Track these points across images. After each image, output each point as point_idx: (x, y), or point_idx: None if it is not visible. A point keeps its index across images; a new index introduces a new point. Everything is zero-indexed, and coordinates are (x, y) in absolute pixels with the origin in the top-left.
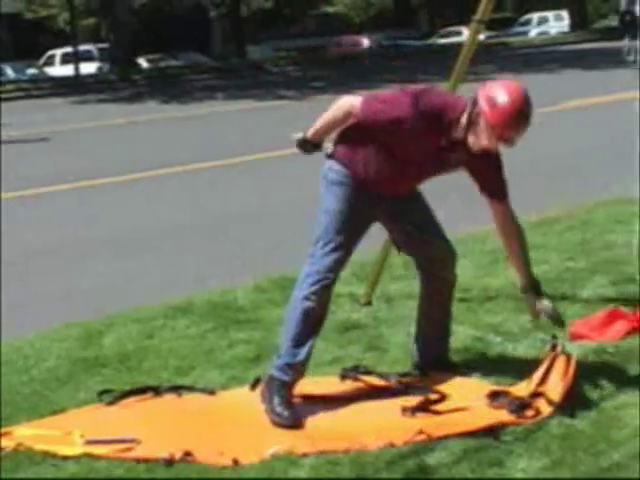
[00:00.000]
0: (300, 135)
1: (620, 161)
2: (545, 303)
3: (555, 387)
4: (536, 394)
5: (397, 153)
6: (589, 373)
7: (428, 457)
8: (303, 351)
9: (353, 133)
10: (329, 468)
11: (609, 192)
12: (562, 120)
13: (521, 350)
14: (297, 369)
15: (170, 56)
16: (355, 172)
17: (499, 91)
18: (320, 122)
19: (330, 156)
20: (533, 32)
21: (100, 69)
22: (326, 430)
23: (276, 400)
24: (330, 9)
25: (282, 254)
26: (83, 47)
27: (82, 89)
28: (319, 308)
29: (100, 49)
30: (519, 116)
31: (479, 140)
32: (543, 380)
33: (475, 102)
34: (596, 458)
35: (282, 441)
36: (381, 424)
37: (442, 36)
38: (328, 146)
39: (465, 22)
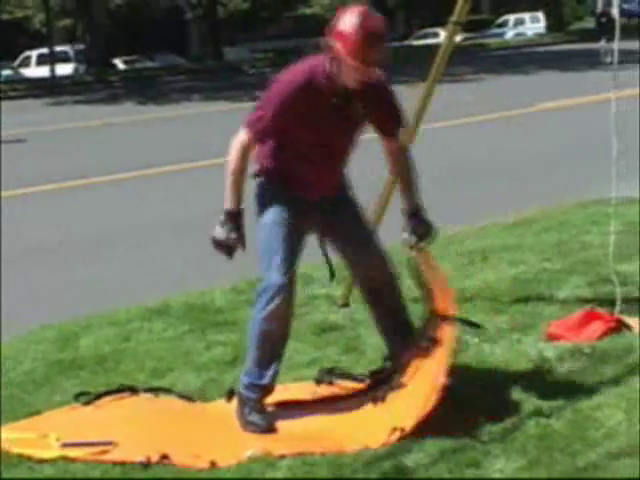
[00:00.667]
0: (222, 231)
1: (596, 162)
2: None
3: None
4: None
5: (307, 138)
6: (565, 373)
7: (405, 458)
8: (268, 374)
9: (262, 149)
10: (306, 469)
11: (585, 193)
12: (538, 121)
13: (498, 351)
14: (264, 389)
15: (146, 57)
16: (282, 180)
17: (341, 23)
18: (230, 184)
19: (256, 175)
20: (510, 34)
21: (76, 70)
22: (302, 432)
23: (247, 410)
24: (307, 10)
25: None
26: (59, 48)
27: (58, 90)
28: (278, 328)
29: (76, 50)
30: (366, 34)
31: (352, 75)
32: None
33: (329, 46)
34: (572, 458)
35: (259, 444)
36: (356, 424)
37: (419, 37)
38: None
39: (442, 24)
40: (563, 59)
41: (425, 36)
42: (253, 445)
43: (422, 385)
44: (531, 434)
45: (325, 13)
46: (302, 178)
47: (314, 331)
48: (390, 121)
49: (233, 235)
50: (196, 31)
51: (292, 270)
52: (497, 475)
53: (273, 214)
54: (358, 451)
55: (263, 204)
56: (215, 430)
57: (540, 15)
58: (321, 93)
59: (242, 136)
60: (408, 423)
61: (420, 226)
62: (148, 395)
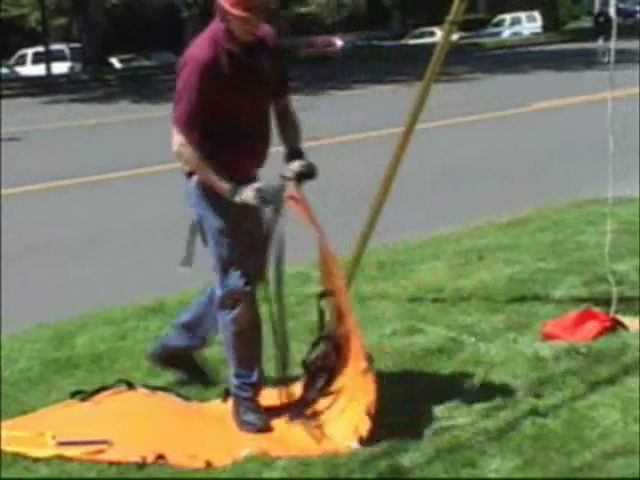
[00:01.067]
0: (251, 196)
1: (592, 162)
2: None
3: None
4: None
5: (232, 111)
6: (561, 373)
7: (401, 457)
8: (254, 374)
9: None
10: (302, 469)
11: (580, 193)
12: (534, 121)
13: (494, 350)
14: (255, 386)
15: (143, 56)
16: (218, 167)
17: None
18: (208, 176)
19: (191, 174)
20: (506, 33)
21: (72, 69)
22: (298, 434)
23: (242, 410)
24: (303, 9)
25: None
26: (55, 47)
27: (54, 89)
28: (249, 328)
29: (72, 49)
30: None
31: (242, 28)
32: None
33: (217, 5)
34: (568, 458)
35: (255, 444)
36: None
37: (415, 37)
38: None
39: (438, 23)
40: (559, 58)
41: (421, 35)
42: (249, 445)
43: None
44: (527, 434)
45: (321, 12)
46: (236, 157)
47: (309, 330)
48: (285, 80)
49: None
50: (192, 30)
51: (249, 270)
52: (493, 475)
53: (219, 218)
54: (354, 450)
55: (205, 206)
56: (211, 430)
57: (536, 14)
58: (230, 57)
59: (178, 138)
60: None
61: (302, 164)
62: (145, 390)
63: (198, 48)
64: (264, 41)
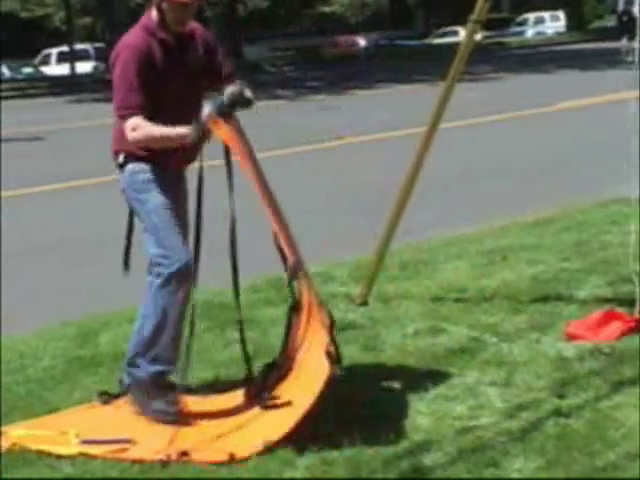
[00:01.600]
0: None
1: (616, 161)
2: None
3: None
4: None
5: (165, 99)
6: (585, 373)
7: (423, 457)
8: (175, 359)
9: (120, 133)
10: (324, 468)
11: (604, 193)
12: (558, 120)
13: (516, 350)
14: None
15: None
16: (148, 157)
17: None
18: (161, 136)
19: (124, 164)
20: (529, 32)
21: (96, 68)
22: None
23: (151, 399)
24: (327, 9)
25: (276, 254)
26: (79, 46)
27: (78, 88)
28: (183, 311)
29: (96, 48)
30: None
31: (177, 17)
32: None
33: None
34: (591, 458)
35: (274, 433)
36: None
37: (438, 36)
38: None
39: (461, 22)
40: (583, 58)
41: (444, 35)
42: (269, 434)
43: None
44: (550, 434)
45: (345, 11)
46: (166, 148)
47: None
48: (220, 72)
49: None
50: (216, 29)
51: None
52: (515, 475)
53: (156, 198)
54: (376, 450)
55: (140, 190)
56: (230, 422)
57: (560, 14)
58: (163, 46)
59: (128, 123)
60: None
61: (238, 91)
62: None
63: (132, 37)
64: (193, 35)
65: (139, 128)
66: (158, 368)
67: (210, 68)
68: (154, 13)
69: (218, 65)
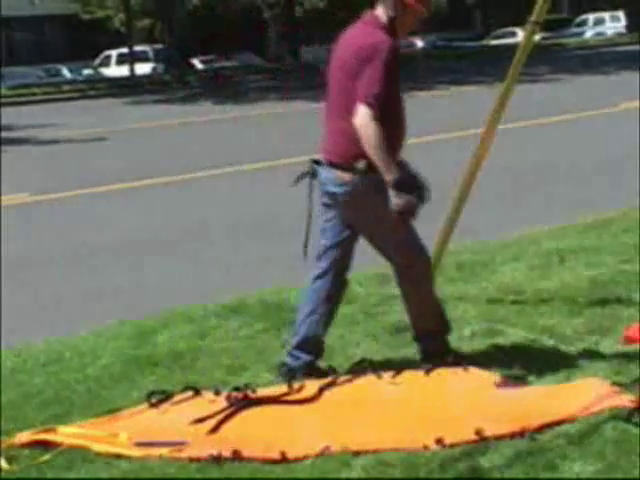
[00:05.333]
0: (401, 201)
1: None
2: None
3: None
4: None
5: (396, 91)
6: None
7: (481, 459)
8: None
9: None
10: (381, 469)
11: None
12: (620, 121)
13: (574, 353)
14: None
15: (224, 57)
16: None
17: None
18: (385, 156)
19: (367, 171)
20: (589, 33)
21: (155, 70)
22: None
23: None
24: None
25: None
26: (138, 48)
27: (137, 90)
28: None
29: (155, 50)
30: None
31: (412, 22)
32: None
33: (384, 8)
34: None
35: (333, 438)
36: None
37: (496, 37)
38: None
39: (519, 23)
40: None
41: (502, 36)
42: (327, 438)
43: None
44: (608, 437)
45: None
46: (397, 141)
47: (389, 331)
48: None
49: (412, 200)
50: (273, 30)
51: None
52: (574, 478)
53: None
54: (433, 451)
55: (380, 195)
56: (286, 423)
57: (620, 14)
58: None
59: (366, 111)
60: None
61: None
62: (210, 395)
63: (377, 35)
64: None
65: (371, 122)
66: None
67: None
68: (384, 17)
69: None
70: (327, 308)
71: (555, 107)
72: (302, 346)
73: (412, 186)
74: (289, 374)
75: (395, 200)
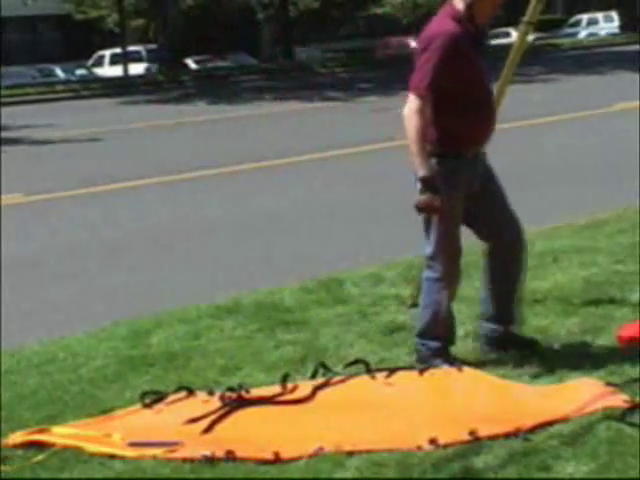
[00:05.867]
0: (424, 198)
1: None
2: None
3: None
4: None
5: (470, 78)
6: (637, 377)
7: (474, 459)
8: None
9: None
10: (375, 470)
11: None
12: (614, 122)
13: (568, 353)
14: None
15: (218, 57)
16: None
17: None
18: (417, 147)
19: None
20: (582, 33)
21: (148, 70)
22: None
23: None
24: (378, 10)
25: (329, 254)
26: (132, 48)
27: (131, 90)
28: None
29: (149, 50)
30: None
31: (489, 9)
32: None
33: None
34: None
35: (327, 438)
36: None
37: (490, 37)
38: None
39: (513, 23)
40: (637, 59)
41: (496, 36)
42: (320, 439)
43: None
44: (602, 438)
45: (397, 12)
46: (474, 127)
47: (382, 331)
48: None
49: (436, 200)
50: (267, 31)
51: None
52: (567, 478)
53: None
54: (427, 451)
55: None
56: (280, 424)
57: (614, 14)
58: (468, 36)
59: (412, 101)
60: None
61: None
62: (204, 395)
63: (443, 25)
64: (484, 28)
65: (416, 115)
66: (436, 345)
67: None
68: (460, 5)
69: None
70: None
71: (550, 107)
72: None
73: (437, 188)
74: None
75: (419, 196)
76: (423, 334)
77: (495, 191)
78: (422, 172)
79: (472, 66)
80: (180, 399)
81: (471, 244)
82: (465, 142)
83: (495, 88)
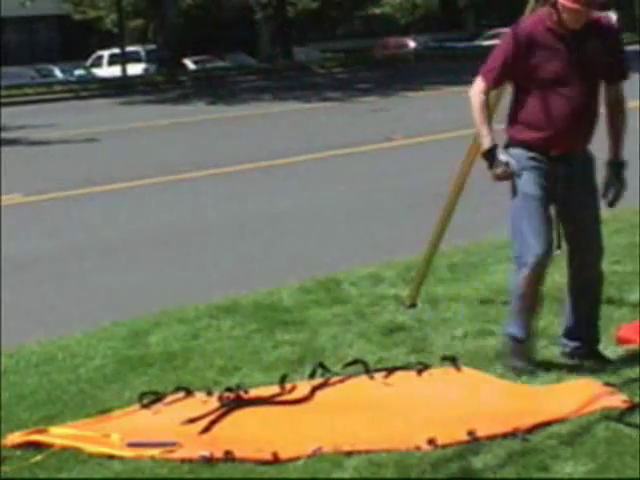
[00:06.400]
0: (494, 170)
1: None
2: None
3: None
4: None
5: (551, 76)
6: (636, 377)
7: (473, 460)
8: (522, 328)
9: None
10: (373, 470)
11: None
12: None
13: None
14: (519, 340)
15: (217, 57)
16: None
17: None
18: (479, 125)
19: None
20: None
21: (147, 70)
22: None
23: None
24: (376, 10)
25: (327, 254)
26: (130, 48)
27: (129, 90)
28: (530, 293)
29: (147, 50)
30: None
31: (570, 18)
32: None
33: None
34: None
35: (325, 438)
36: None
37: (488, 38)
38: None
39: (511, 24)
40: (636, 59)
41: (494, 36)
42: (318, 439)
43: None
44: (600, 438)
45: (395, 13)
46: (554, 129)
47: (381, 331)
48: (618, 67)
49: (499, 169)
50: (266, 31)
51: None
52: (566, 478)
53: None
54: (426, 452)
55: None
56: (278, 424)
57: (612, 14)
58: (551, 33)
59: (476, 82)
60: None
61: (614, 184)
62: (202, 396)
63: (525, 22)
64: (596, 29)
65: (474, 96)
66: (513, 331)
67: (604, 64)
68: (549, 12)
69: (609, 63)
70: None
71: None
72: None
73: (497, 158)
74: None
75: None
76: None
77: (579, 205)
78: (483, 145)
79: (551, 65)
80: (179, 399)
81: (471, 245)
82: (532, 138)
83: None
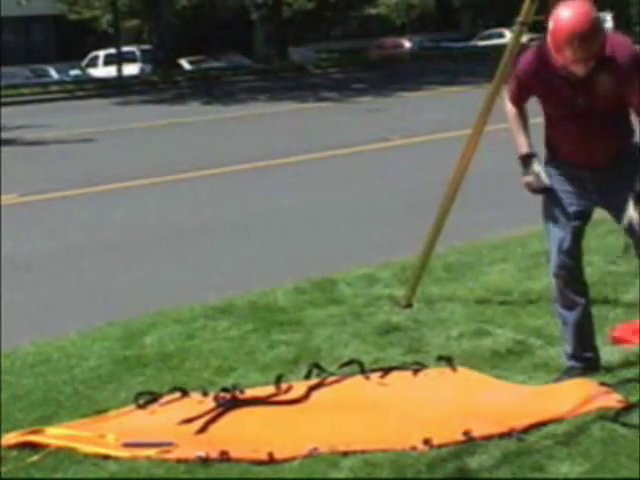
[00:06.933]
0: (527, 176)
1: None
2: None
3: None
4: None
5: (552, 109)
6: (631, 378)
7: (469, 460)
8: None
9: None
10: (369, 470)
11: None
12: None
13: (562, 354)
14: None
15: (212, 58)
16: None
17: (553, 16)
18: (514, 134)
19: None
20: None
21: (142, 70)
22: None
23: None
24: (372, 11)
25: (323, 255)
26: (126, 48)
27: (125, 90)
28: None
29: (143, 50)
30: (565, 36)
31: (563, 69)
32: None
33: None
34: (639, 463)
35: (321, 439)
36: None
37: (484, 38)
38: None
39: (507, 24)
40: None
41: (490, 37)
42: (314, 440)
43: None
44: (596, 438)
45: (391, 13)
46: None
47: (377, 331)
48: (634, 90)
49: (529, 177)
50: (261, 31)
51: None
52: (561, 478)
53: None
54: (421, 452)
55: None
56: (274, 424)
57: (607, 16)
58: (549, 70)
59: (506, 97)
60: None
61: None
62: (198, 396)
63: (524, 56)
64: (609, 59)
65: (506, 106)
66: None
67: (619, 94)
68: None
69: (625, 94)
70: None
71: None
72: None
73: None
74: None
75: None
76: None
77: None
78: (519, 151)
79: (553, 98)
80: (174, 400)
81: (467, 245)
82: (556, 154)
83: (489, 90)
